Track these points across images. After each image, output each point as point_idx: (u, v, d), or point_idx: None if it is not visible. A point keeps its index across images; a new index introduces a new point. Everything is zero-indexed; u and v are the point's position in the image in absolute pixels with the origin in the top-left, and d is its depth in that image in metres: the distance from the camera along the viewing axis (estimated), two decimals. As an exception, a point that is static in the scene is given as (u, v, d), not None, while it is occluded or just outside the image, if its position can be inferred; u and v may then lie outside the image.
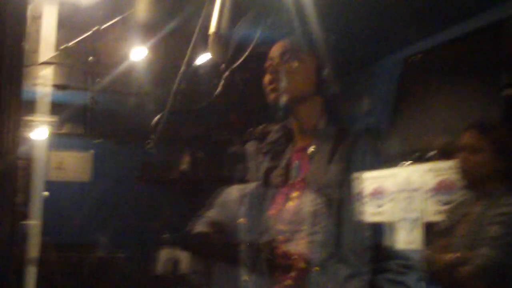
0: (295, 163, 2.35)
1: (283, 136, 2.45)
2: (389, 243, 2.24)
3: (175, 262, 7.06)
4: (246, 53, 2.19)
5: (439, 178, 2.36)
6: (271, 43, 2.35)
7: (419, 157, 3.65)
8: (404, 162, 2.36)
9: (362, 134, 2.24)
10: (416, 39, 5.15)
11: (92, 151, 8.05)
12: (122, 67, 4.90)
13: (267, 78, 2.34)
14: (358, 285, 2.11)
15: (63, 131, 7.73)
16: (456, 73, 4.65)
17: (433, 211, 2.35)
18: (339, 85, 2.32)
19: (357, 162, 2.21)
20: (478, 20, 4.43)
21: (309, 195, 2.20)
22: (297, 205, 2.25)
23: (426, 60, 5.07)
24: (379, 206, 2.31)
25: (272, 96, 2.32)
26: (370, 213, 2.25)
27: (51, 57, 3.87)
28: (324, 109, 2.34)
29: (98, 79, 5.05)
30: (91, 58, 4.31)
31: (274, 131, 2.49)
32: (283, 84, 2.28)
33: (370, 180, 2.23)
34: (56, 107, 6.68)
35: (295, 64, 2.30)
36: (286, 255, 2.23)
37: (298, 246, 2.19)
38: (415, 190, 2.30)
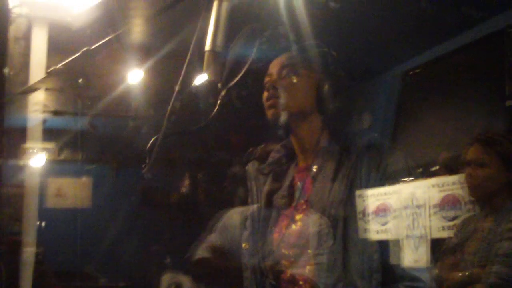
0: (298, 184, 2.28)
1: (285, 156, 2.38)
2: (396, 263, 2.15)
3: (178, 287, 6.96)
4: (243, 71, 2.11)
5: (444, 194, 2.28)
6: (268, 59, 2.28)
7: (422, 173, 3.58)
8: (406, 178, 2.28)
9: (365, 151, 2.17)
10: (415, 52, 5.10)
11: (90, 177, 7.99)
12: (116, 90, 4.82)
13: (265, 94, 2.28)
14: None
15: (60, 157, 7.66)
16: (458, 85, 4.59)
17: (439, 227, 2.27)
18: (340, 101, 2.24)
19: (361, 181, 2.14)
20: (479, 30, 4.38)
21: (313, 217, 2.12)
22: (301, 228, 2.17)
23: (427, 73, 5.01)
24: (383, 224, 2.22)
25: (270, 113, 2.25)
26: (374, 231, 2.17)
27: (39, 81, 3.80)
28: (325, 127, 2.26)
29: (90, 103, 4.99)
30: (81, 80, 4.25)
31: (275, 151, 2.41)
32: (282, 100, 2.21)
33: (373, 197, 2.17)
34: (53, 133, 6.64)
35: (294, 79, 2.23)
36: (292, 281, 2.15)
37: (304, 271, 2.11)
38: (420, 206, 2.23)
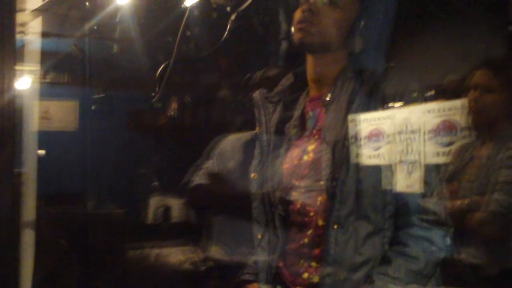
0: (310, 113, 2.20)
1: (296, 84, 2.29)
2: (410, 196, 2.11)
3: (166, 210, 7.00)
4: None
5: (440, 119, 2.23)
6: None
7: (417, 97, 3.53)
8: (400, 102, 2.24)
9: (380, 79, 2.10)
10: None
11: (77, 100, 7.92)
12: (110, 12, 4.72)
13: (298, 15, 2.14)
14: (380, 242, 2.00)
15: (48, 79, 7.58)
16: (458, 9, 4.50)
17: (433, 153, 2.24)
18: (371, 41, 2.14)
19: (376, 109, 2.08)
20: None
21: (326, 148, 2.05)
22: (313, 158, 2.10)
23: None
24: (376, 149, 2.18)
25: (298, 36, 2.12)
26: (367, 156, 2.13)
27: (42, 5, 3.69)
28: (348, 64, 2.17)
29: (78, 24, 4.90)
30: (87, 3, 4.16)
31: (286, 79, 2.32)
32: (316, 27, 2.09)
33: (366, 122, 2.12)
34: (43, 56, 6.52)
35: (334, 8, 2.11)
36: (302, 212, 2.10)
37: (315, 202, 2.07)
38: (414, 131, 2.18)
